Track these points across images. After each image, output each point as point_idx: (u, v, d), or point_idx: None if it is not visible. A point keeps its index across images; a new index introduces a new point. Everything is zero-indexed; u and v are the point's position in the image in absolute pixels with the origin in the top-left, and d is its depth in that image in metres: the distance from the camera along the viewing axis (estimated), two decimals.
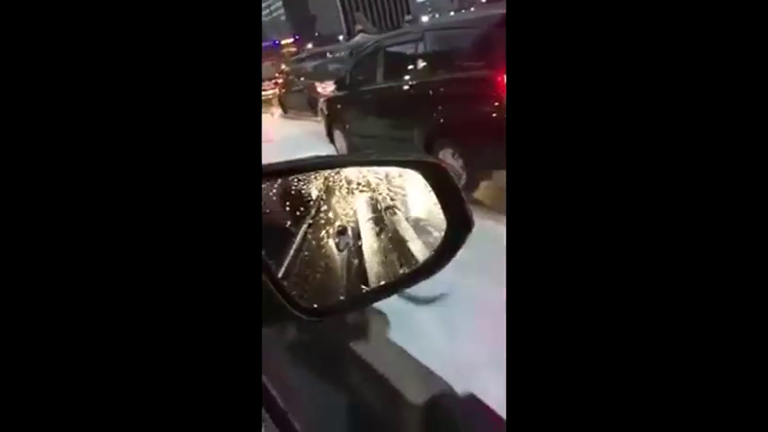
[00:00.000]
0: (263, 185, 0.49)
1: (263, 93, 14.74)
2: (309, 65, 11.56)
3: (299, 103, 10.90)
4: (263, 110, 14.16)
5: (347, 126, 5.57)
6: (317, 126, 9.08)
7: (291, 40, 39.98)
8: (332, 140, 6.02)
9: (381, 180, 0.64)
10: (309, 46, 31.44)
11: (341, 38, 37.50)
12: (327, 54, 13.38)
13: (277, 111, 13.01)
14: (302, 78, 10.89)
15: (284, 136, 8.74)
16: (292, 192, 0.56)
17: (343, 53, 12.42)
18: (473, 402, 0.91)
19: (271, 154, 0.49)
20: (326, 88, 10.28)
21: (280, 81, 14.09)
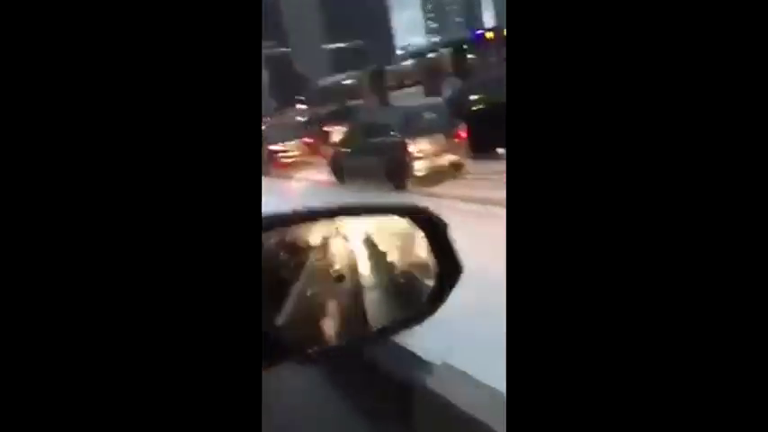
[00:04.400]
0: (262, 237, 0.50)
1: (288, 154, 10.91)
2: (393, 114, 7.77)
3: (367, 168, 7.17)
4: (288, 172, 10.47)
5: None
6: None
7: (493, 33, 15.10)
8: None
9: (375, 227, 0.72)
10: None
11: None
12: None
13: (314, 176, 9.22)
14: (392, 132, 6.96)
15: None
16: (289, 242, 0.63)
17: (438, 98, 8.82)
18: None
19: None
20: (422, 149, 6.71)
21: (332, 139, 10.29)
